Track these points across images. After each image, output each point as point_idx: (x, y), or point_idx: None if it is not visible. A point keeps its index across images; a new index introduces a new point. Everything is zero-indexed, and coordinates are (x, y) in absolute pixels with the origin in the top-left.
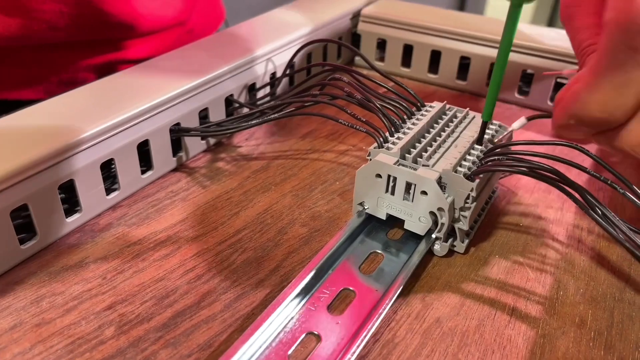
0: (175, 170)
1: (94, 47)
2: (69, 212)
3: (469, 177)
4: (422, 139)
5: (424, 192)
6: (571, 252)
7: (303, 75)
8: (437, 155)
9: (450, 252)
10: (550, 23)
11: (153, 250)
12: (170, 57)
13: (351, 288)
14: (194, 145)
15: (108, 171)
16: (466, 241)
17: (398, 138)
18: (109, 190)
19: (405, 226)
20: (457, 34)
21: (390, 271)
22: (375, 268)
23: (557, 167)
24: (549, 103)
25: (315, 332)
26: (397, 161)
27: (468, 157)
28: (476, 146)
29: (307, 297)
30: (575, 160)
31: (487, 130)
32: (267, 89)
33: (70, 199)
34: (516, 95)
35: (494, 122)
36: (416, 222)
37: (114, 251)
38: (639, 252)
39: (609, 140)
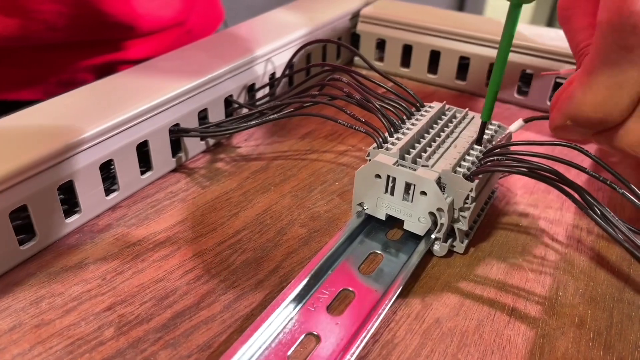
0: (174, 170)
1: (92, 47)
2: (68, 212)
3: (468, 178)
4: (421, 139)
5: (423, 193)
6: (570, 253)
7: (302, 75)
8: (436, 156)
9: (450, 252)
10: (550, 23)
11: (152, 251)
12: (170, 58)
13: (350, 288)
14: (194, 145)
15: (107, 172)
16: (465, 241)
17: (397, 138)
18: (108, 191)
19: (405, 226)
20: (457, 34)
21: (390, 271)
22: (375, 268)
23: (557, 168)
24: (548, 103)
25: (315, 333)
26: (397, 161)
27: (467, 157)
28: (475, 146)
29: (307, 297)
30: (575, 160)
31: (486, 131)
32: (267, 90)
33: (69, 199)
34: (515, 95)
35: (493, 122)
36: (415, 223)
37: (113, 252)
38: (638, 252)
39: (607, 140)
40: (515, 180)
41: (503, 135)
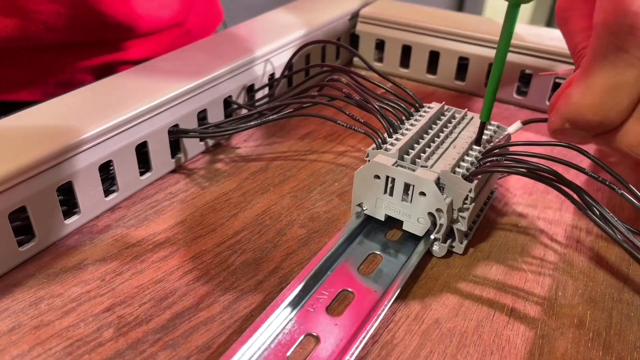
0: (173, 171)
1: (91, 48)
2: (67, 214)
3: (468, 178)
4: (420, 140)
5: (422, 193)
6: (570, 253)
7: (302, 76)
8: (435, 156)
9: (449, 253)
10: (549, 23)
11: (152, 252)
12: (169, 58)
13: (350, 289)
14: (193, 146)
15: (106, 173)
16: (465, 242)
17: (396, 139)
18: (107, 192)
19: (404, 227)
20: (456, 34)
21: (389, 272)
22: (374, 269)
23: (556, 168)
24: (547, 103)
25: (314, 334)
26: (396, 162)
27: (466, 157)
28: (474, 147)
29: (306, 298)
30: (574, 160)
31: (485, 131)
32: (266, 90)
33: (68, 200)
34: (515, 95)
35: (493, 122)
36: (415, 223)
37: (112, 253)
38: (637, 253)
39: (607, 142)
40: (515, 180)
41: (501, 137)
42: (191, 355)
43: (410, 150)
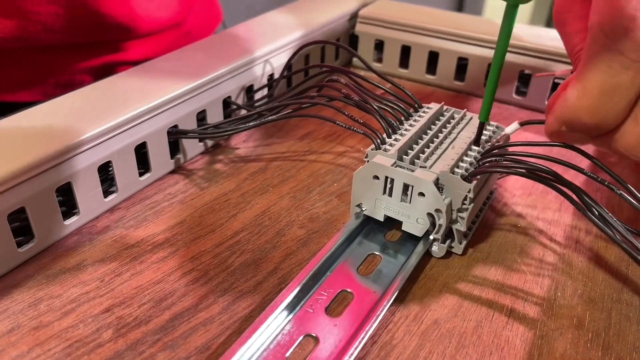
0: (173, 172)
1: (90, 49)
2: (66, 214)
3: (467, 179)
4: (419, 141)
5: (421, 194)
6: (569, 253)
7: (301, 76)
8: (434, 157)
9: (448, 253)
10: (549, 23)
11: (151, 252)
12: (168, 59)
13: (349, 290)
14: (192, 147)
15: (106, 173)
16: (464, 242)
17: (395, 139)
18: (106, 193)
19: (403, 227)
20: (455, 34)
21: (388, 273)
22: (373, 270)
23: (555, 168)
24: (547, 103)
25: (313, 334)
26: (395, 163)
27: (465, 158)
28: (473, 147)
29: (305, 299)
30: (573, 161)
31: (484, 131)
32: (265, 91)
33: (67, 201)
34: (514, 95)
35: (492, 123)
36: (414, 224)
37: (111, 254)
38: (636, 253)
39: (604, 144)
40: (514, 181)
41: (499, 137)
42: (190, 356)
43: (409, 151)
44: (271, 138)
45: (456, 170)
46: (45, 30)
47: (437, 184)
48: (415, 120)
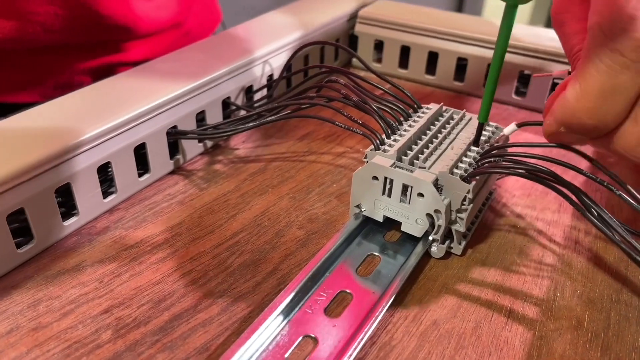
0: (172, 173)
1: (89, 49)
2: (65, 215)
3: (466, 179)
4: (418, 141)
5: (420, 194)
6: (568, 254)
7: (300, 77)
8: (433, 157)
9: (447, 254)
10: (548, 24)
11: (150, 253)
12: (167, 60)
13: (348, 290)
14: (191, 147)
15: (105, 174)
16: (463, 243)
17: (395, 140)
18: (106, 194)
19: (402, 228)
20: (455, 35)
21: (388, 273)
22: (373, 270)
23: (554, 169)
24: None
25: (312, 335)
26: (394, 163)
27: (465, 158)
28: (473, 148)
29: (304, 299)
30: (572, 161)
31: (483, 132)
32: (264, 91)
33: (67, 202)
34: (513, 96)
35: (491, 123)
36: (413, 224)
37: (111, 254)
38: (635, 254)
39: (603, 144)
40: (513, 181)
41: (497, 138)
42: (189, 356)
43: (408, 152)
44: (270, 139)
45: (455, 170)
46: (45, 31)
47: (436, 184)
48: (414, 121)
